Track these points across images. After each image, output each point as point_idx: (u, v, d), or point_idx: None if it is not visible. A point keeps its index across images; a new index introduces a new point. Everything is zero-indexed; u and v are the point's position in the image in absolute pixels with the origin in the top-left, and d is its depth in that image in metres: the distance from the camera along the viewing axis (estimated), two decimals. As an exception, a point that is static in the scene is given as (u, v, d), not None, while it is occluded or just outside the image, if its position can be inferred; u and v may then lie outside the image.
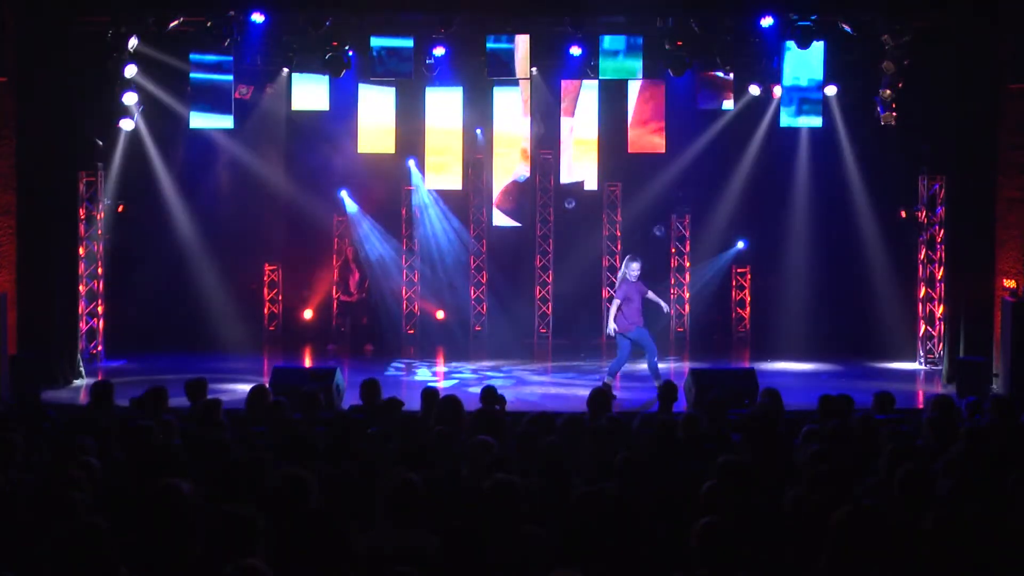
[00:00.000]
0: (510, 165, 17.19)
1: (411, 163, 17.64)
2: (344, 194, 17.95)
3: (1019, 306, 12.62)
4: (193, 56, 14.53)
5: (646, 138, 15.88)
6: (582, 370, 15.20)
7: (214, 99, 14.79)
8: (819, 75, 14.76)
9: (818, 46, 14.46)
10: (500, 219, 17.60)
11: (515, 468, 6.11)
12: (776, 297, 17.43)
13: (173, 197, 16.80)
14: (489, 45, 14.78)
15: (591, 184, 16.74)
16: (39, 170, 13.64)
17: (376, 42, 14.71)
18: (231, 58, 14.60)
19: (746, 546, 4.64)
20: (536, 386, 13.50)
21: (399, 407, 9.08)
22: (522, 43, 14.82)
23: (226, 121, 15.17)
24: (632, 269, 12.92)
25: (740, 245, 17.96)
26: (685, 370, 13.33)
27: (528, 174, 17.16)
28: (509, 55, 14.82)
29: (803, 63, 14.74)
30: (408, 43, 14.70)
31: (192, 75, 14.72)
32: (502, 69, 15.01)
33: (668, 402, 9.00)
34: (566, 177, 16.80)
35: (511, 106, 16.60)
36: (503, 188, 17.40)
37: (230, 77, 14.72)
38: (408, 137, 16.62)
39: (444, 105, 16.26)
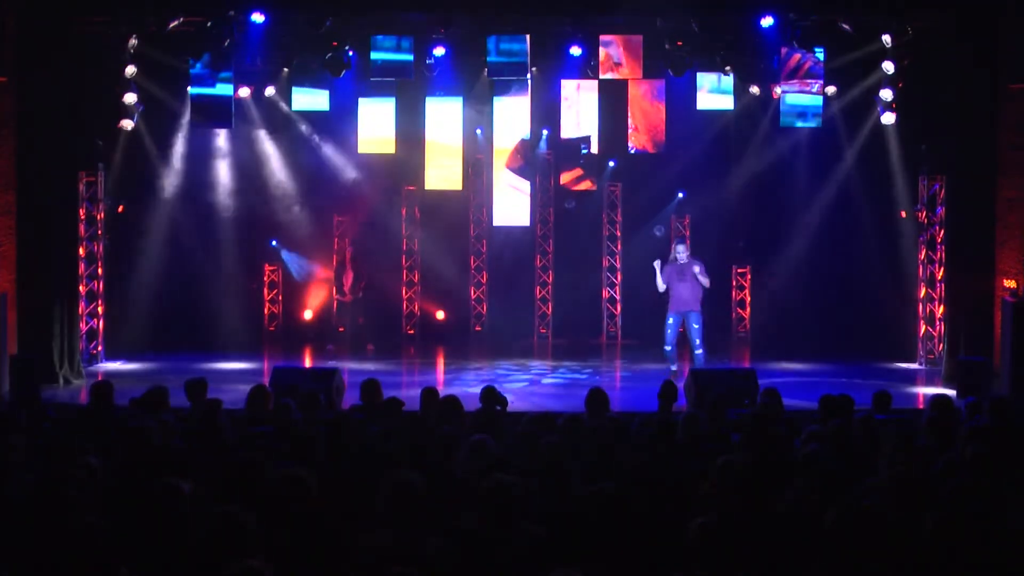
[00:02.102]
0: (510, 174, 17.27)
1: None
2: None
3: (1019, 306, 12.62)
4: (193, 71, 14.55)
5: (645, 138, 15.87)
6: (582, 370, 15.20)
7: (214, 113, 14.84)
8: (817, 99, 14.81)
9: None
10: (501, 218, 17.57)
11: (515, 468, 6.10)
12: (776, 297, 17.43)
13: (173, 197, 16.81)
14: (490, 59, 14.80)
15: (595, 144, 16.51)
16: (39, 170, 13.64)
17: (376, 42, 14.72)
18: (230, 72, 14.60)
19: (745, 546, 4.64)
20: (536, 386, 13.49)
21: (399, 407, 9.08)
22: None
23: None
24: (678, 252, 13.06)
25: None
26: (685, 370, 13.32)
27: (529, 135, 16.98)
28: (515, 67, 14.89)
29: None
30: (408, 44, 14.71)
31: (191, 90, 14.73)
32: (503, 71, 15.04)
33: (668, 402, 8.99)
34: (571, 132, 16.27)
35: (512, 114, 16.60)
36: (513, 148, 17.23)
37: (230, 92, 14.72)
38: (409, 148, 16.71)
39: (444, 116, 16.24)
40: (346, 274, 17.36)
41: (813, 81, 14.71)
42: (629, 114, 15.78)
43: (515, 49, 14.80)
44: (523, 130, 16.87)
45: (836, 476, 5.89)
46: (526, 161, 17.38)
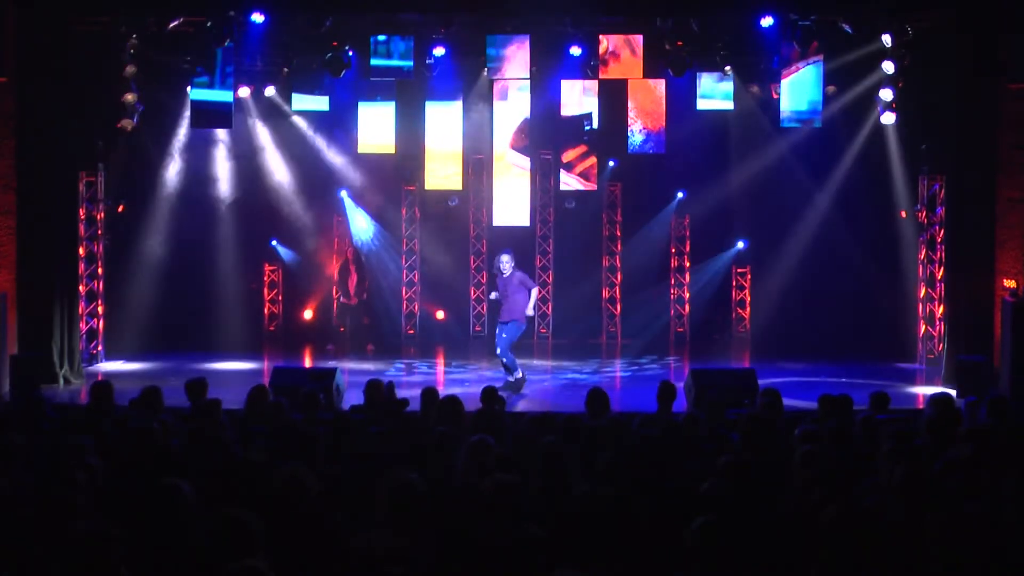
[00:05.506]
0: (510, 173, 17.18)
1: (343, 194, 17.76)
2: (344, 194, 18.00)
3: (1019, 306, 12.62)
4: (193, 76, 14.56)
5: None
6: (582, 370, 15.20)
7: (214, 116, 14.88)
8: (818, 97, 14.80)
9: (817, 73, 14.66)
10: (501, 218, 17.54)
11: (515, 468, 6.10)
12: (776, 297, 17.42)
13: (173, 197, 16.81)
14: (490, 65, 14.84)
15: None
16: (39, 170, 13.65)
17: (376, 42, 14.72)
18: (230, 75, 14.60)
19: (745, 546, 4.64)
20: (536, 386, 13.49)
21: (402, 407, 9.10)
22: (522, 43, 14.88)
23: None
24: (502, 262, 13.07)
25: (740, 245, 17.98)
26: (685, 370, 13.32)
27: (530, 115, 16.77)
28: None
29: (802, 90, 14.78)
30: (408, 49, 14.71)
31: (191, 93, 14.75)
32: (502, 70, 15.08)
33: (667, 402, 9.00)
34: (572, 110, 16.01)
35: (513, 115, 16.58)
36: (516, 128, 16.87)
37: (229, 96, 14.72)
38: (409, 152, 16.76)
39: (444, 119, 16.21)
40: (350, 277, 17.33)
41: (819, 58, 14.63)
42: (629, 113, 15.76)
43: (494, 54, 14.88)
44: (524, 112, 16.69)
45: (836, 476, 5.89)
46: (531, 140, 17.18)
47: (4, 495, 5.36)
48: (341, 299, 17.68)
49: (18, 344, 13.43)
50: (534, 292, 13.20)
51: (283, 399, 8.30)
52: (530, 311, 13.34)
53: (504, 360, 12.93)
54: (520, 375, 12.92)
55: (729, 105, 15.67)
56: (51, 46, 13.51)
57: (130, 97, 14.38)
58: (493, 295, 13.28)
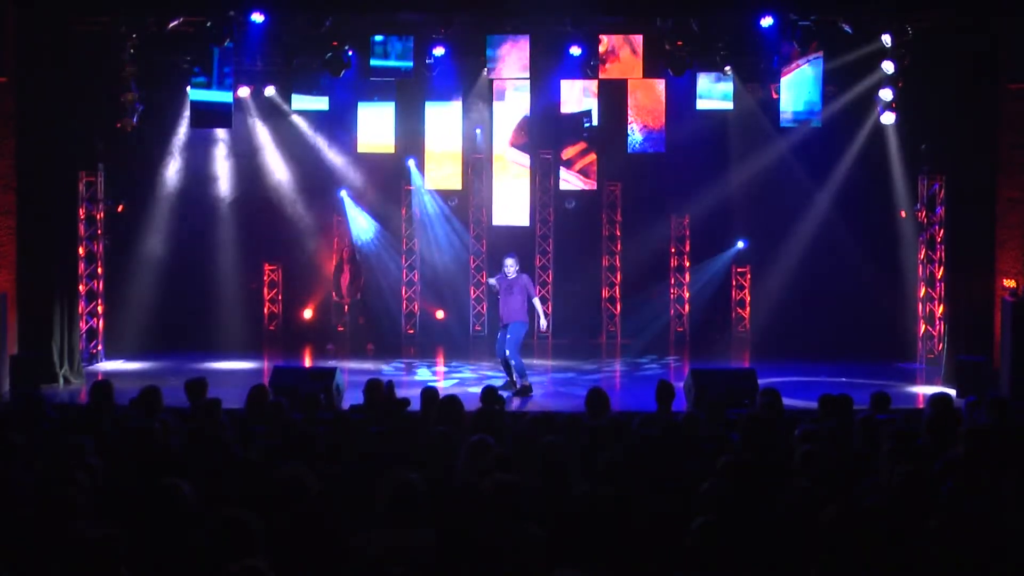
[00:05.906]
0: (509, 173, 17.15)
1: (411, 163, 17.66)
2: (344, 194, 18.01)
3: (1019, 306, 12.62)
4: (194, 77, 14.57)
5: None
6: (582, 370, 15.20)
7: (214, 117, 14.90)
8: (817, 98, 14.80)
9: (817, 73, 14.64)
10: (501, 218, 17.53)
11: (515, 468, 6.10)
12: (776, 297, 17.42)
13: (173, 197, 16.82)
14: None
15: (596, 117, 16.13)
16: (39, 170, 13.65)
17: (375, 42, 14.72)
18: (230, 76, 14.61)
19: (745, 546, 4.64)
20: (536, 386, 13.48)
21: (403, 407, 9.09)
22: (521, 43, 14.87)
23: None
24: (507, 265, 13.05)
25: (740, 245, 17.98)
26: (685, 370, 13.32)
27: (530, 112, 16.72)
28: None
29: (800, 91, 14.76)
30: (407, 50, 14.70)
31: (191, 94, 14.76)
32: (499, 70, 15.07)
33: (666, 402, 8.99)
34: (572, 109, 15.94)
35: (511, 115, 16.56)
36: (516, 125, 16.82)
37: (229, 97, 14.71)
38: (408, 152, 16.84)
39: (443, 120, 16.19)
40: (343, 275, 17.35)
41: (819, 55, 14.60)
42: (629, 113, 15.75)
43: (493, 54, 14.87)
44: (522, 111, 16.67)
45: (836, 476, 5.89)
46: (529, 137, 17.13)
47: (4, 495, 5.36)
48: (334, 297, 17.71)
49: (18, 344, 13.42)
50: (537, 303, 13.14)
51: (283, 399, 8.30)
52: (543, 323, 13.38)
53: (513, 363, 12.87)
54: (527, 383, 12.86)
55: (729, 105, 15.66)
56: (51, 46, 13.51)
57: (130, 97, 14.38)
58: (492, 281, 13.20)
